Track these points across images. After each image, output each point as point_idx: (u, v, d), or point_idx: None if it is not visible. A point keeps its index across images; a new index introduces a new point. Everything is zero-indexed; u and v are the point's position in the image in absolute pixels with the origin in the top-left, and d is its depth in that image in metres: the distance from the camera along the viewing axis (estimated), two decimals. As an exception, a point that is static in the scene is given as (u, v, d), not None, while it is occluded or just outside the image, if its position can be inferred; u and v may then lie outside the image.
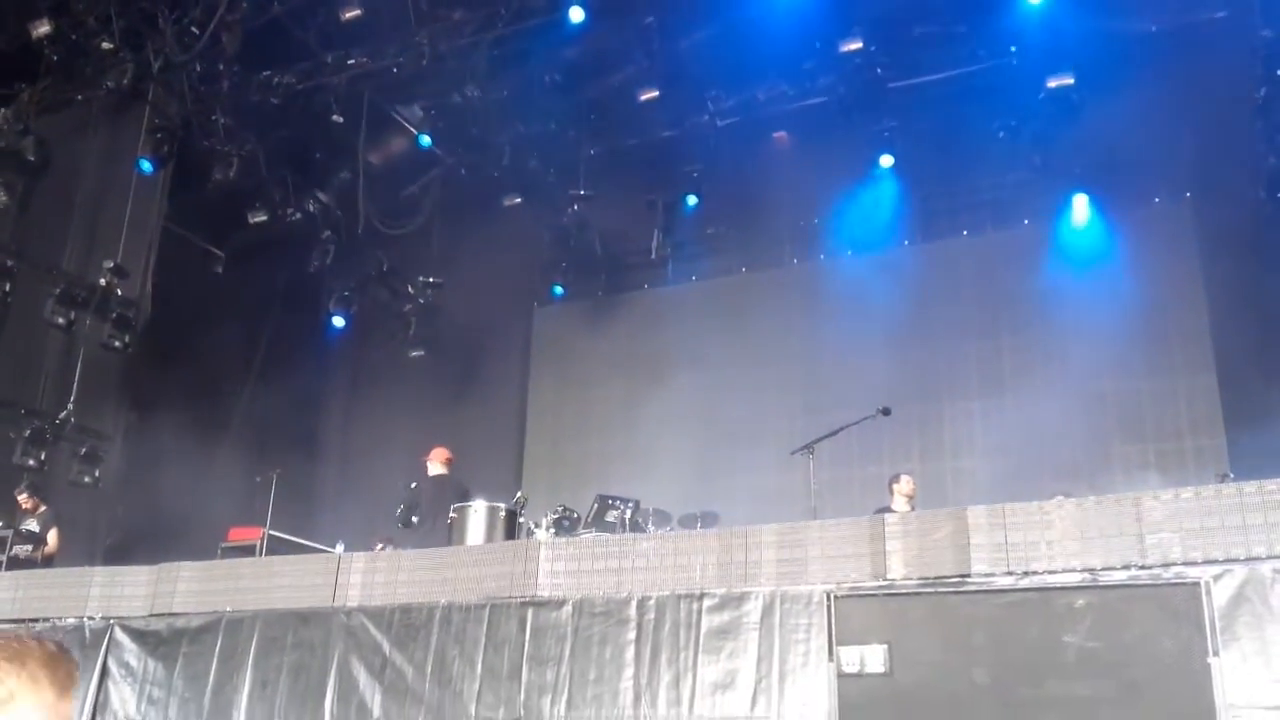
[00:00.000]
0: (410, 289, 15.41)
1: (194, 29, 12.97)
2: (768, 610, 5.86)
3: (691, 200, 14.25)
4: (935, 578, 5.56)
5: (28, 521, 10.73)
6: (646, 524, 9.44)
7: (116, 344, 12.98)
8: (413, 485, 10.30)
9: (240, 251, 15.64)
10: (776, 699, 5.65)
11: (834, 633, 5.64)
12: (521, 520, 8.73)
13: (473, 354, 15.90)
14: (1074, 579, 5.25)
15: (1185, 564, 5.08)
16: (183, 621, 7.61)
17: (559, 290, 15.98)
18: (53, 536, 10.67)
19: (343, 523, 13.13)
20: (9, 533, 10.28)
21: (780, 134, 13.88)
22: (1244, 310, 11.54)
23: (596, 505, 9.22)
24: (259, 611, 7.36)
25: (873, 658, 5.48)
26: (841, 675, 5.54)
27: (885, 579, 5.68)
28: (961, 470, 12.79)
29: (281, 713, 6.97)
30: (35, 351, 13.27)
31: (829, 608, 5.70)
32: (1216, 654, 4.84)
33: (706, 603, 6.04)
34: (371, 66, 13.43)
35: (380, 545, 10.47)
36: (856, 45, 12.01)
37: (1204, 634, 4.89)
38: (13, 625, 8.12)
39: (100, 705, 7.57)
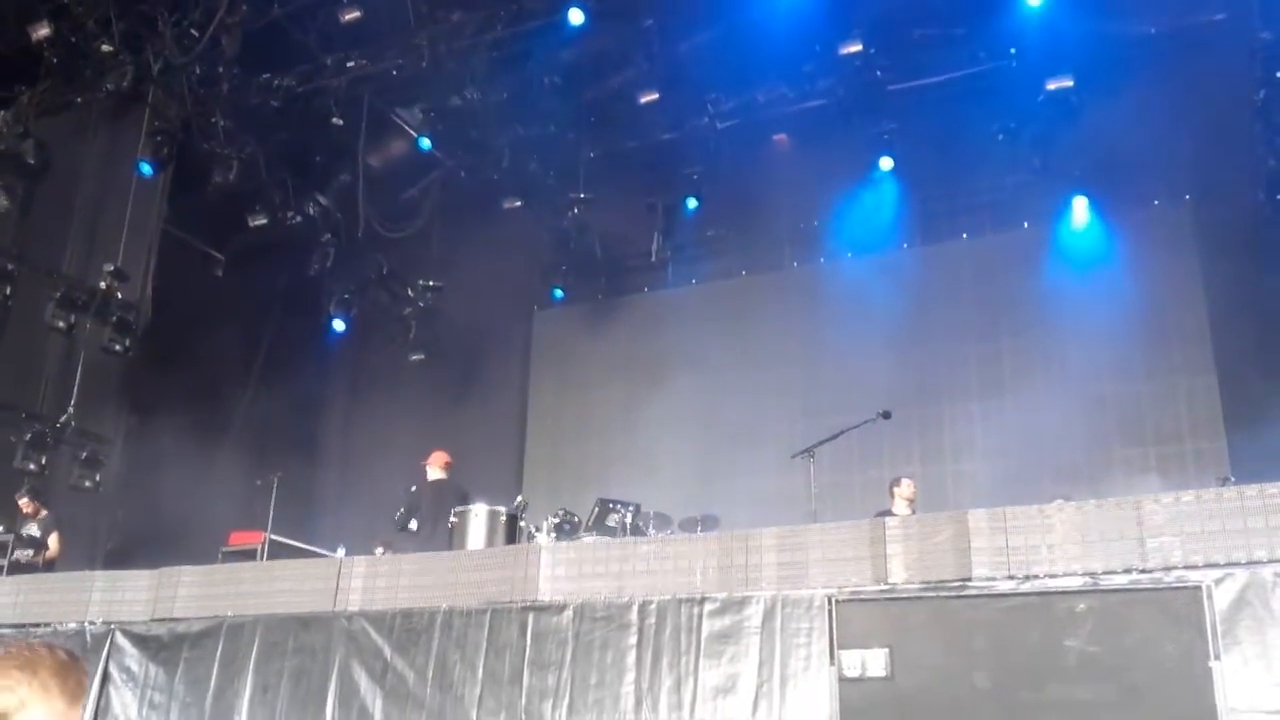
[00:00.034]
0: (410, 292, 15.41)
1: (194, 31, 12.99)
2: (769, 614, 5.86)
3: (691, 203, 14.26)
4: (936, 581, 5.56)
5: (29, 526, 10.73)
6: (647, 528, 9.44)
7: (117, 348, 12.98)
8: (412, 489, 10.30)
9: (240, 255, 15.65)
10: (778, 703, 5.65)
11: (835, 637, 5.63)
12: (522, 524, 8.73)
13: (473, 357, 15.91)
14: (1075, 583, 5.25)
15: (1186, 568, 5.07)
16: (184, 626, 7.61)
17: (559, 293, 15.98)
18: (54, 541, 10.66)
19: (344, 527, 13.13)
20: (10, 537, 10.27)
21: (780, 136, 13.87)
22: (1244, 312, 11.54)
23: (597, 509, 9.22)
24: (260, 616, 7.36)
25: (874, 662, 5.48)
26: (843, 679, 5.54)
27: (886, 583, 5.67)
28: (962, 473, 12.79)
29: (283, 717, 6.97)
30: (36, 355, 13.27)
31: (830, 612, 5.70)
32: (1218, 658, 4.84)
33: (707, 607, 6.04)
34: (371, 69, 13.44)
35: (380, 549, 10.47)
36: (856, 48, 12.01)
37: (1205, 638, 4.89)
38: (14, 630, 8.13)
39: (101, 710, 7.57)
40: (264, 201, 14.43)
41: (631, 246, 15.28)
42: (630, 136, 14.34)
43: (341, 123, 13.73)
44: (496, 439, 15.49)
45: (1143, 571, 5.15)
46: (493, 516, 8.55)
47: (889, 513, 9.01)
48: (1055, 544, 5.37)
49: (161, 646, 7.60)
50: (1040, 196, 12.84)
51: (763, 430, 13.05)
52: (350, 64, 13.43)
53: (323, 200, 14.72)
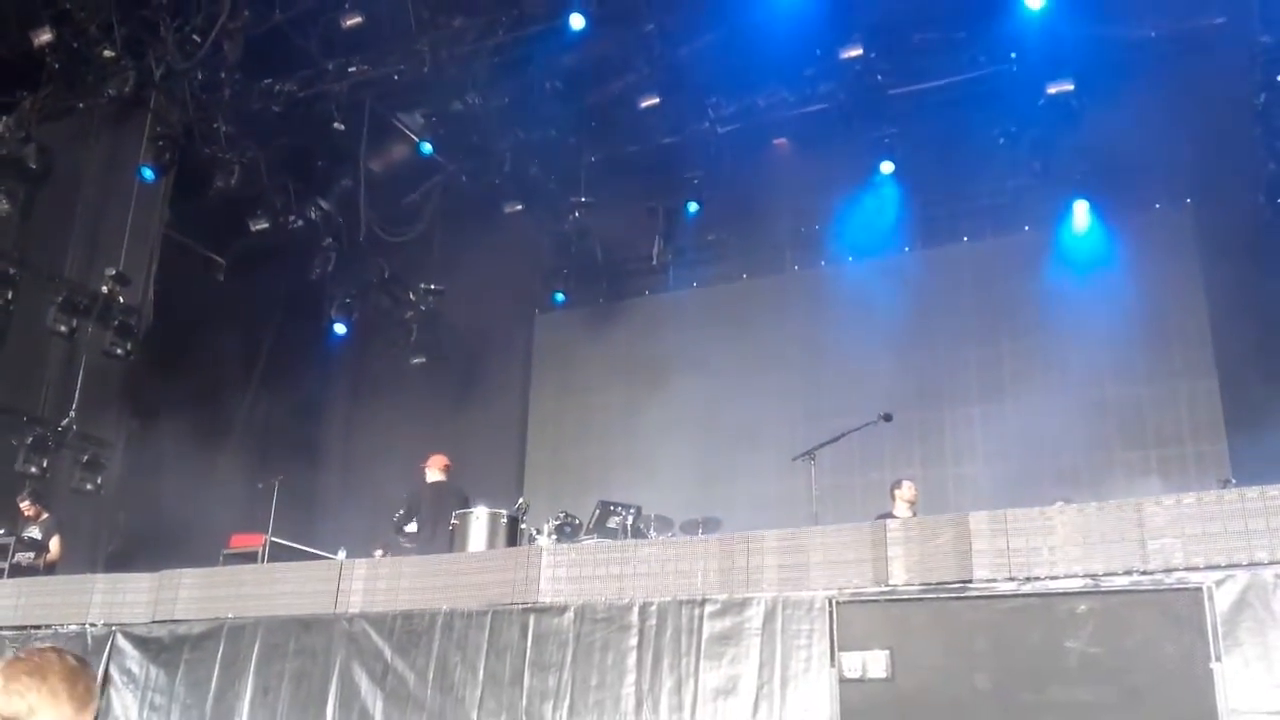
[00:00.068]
0: (411, 296, 15.42)
1: (196, 37, 13.00)
2: (769, 616, 5.86)
3: (692, 207, 14.26)
4: (937, 583, 5.56)
5: (30, 529, 10.74)
6: (648, 530, 9.45)
7: (118, 351, 12.99)
8: (411, 492, 10.31)
9: (242, 259, 15.66)
10: (778, 705, 5.65)
11: (836, 638, 5.63)
12: (523, 526, 8.74)
13: (474, 361, 15.92)
14: (1076, 584, 5.25)
15: (1187, 569, 5.07)
16: (185, 628, 7.61)
17: (560, 297, 15.99)
18: (55, 544, 10.67)
19: (344, 529, 13.12)
20: (11, 540, 10.28)
21: (781, 140, 13.89)
22: (1245, 315, 11.55)
23: (598, 511, 9.23)
24: (261, 618, 7.36)
25: (875, 663, 5.48)
26: (843, 681, 5.53)
27: (887, 584, 5.67)
28: (963, 476, 12.79)
29: (283, 719, 6.96)
30: (37, 359, 13.28)
31: (831, 613, 5.70)
32: (1219, 659, 4.84)
33: (708, 608, 6.04)
34: (373, 74, 13.45)
35: (379, 552, 10.48)
36: (857, 52, 12.03)
37: (1206, 639, 4.88)
38: (15, 632, 8.13)
39: (102, 712, 7.56)
40: (265, 206, 14.44)
41: (632, 250, 15.30)
42: (631, 141, 14.35)
43: (343, 127, 13.74)
44: (498, 442, 15.50)
45: (1144, 573, 5.15)
46: (494, 519, 8.56)
47: (890, 515, 9.01)
48: (1056, 546, 5.37)
49: (162, 648, 7.61)
50: (1041, 200, 12.85)
51: (764, 433, 13.06)
52: (352, 69, 13.44)
53: (324, 205, 14.73)
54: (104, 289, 13.03)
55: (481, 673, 6.46)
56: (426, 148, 14.55)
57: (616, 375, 15.19)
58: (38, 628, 8.17)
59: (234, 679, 7.23)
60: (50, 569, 10.35)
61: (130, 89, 13.26)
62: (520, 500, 9.15)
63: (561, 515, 9.08)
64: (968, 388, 13.20)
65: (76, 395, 12.97)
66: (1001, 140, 12.26)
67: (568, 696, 6.16)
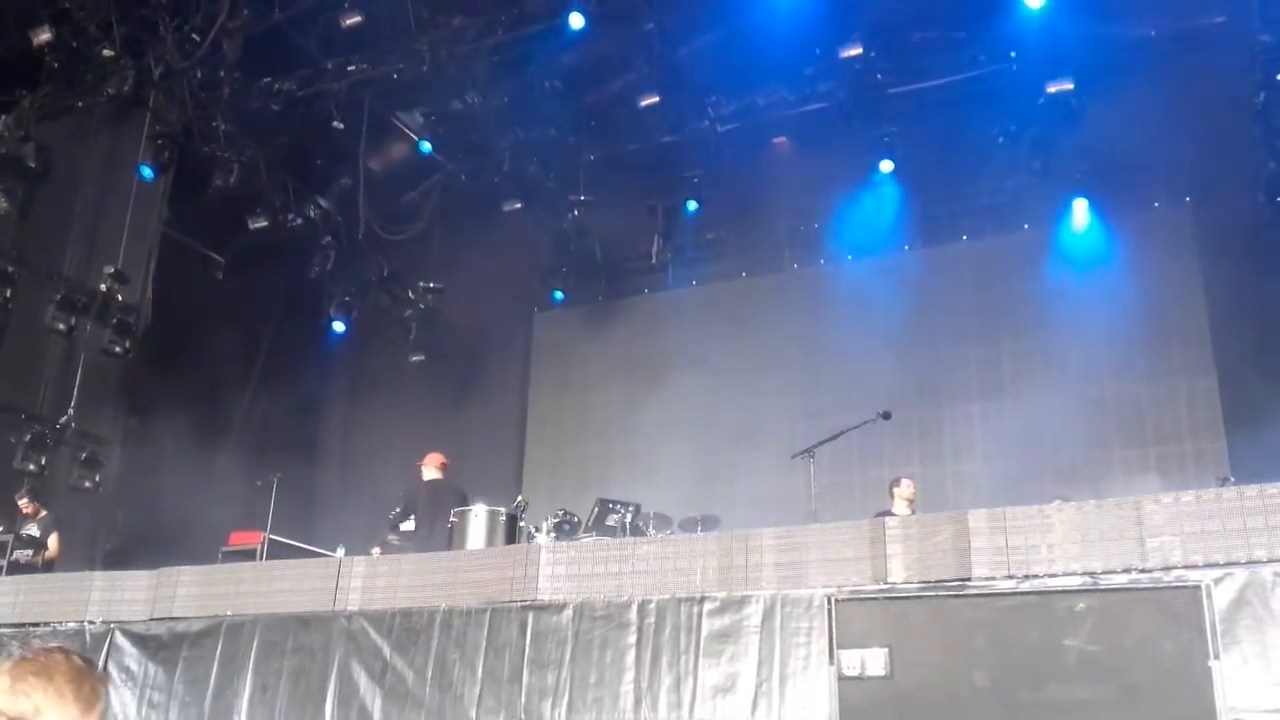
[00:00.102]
0: (411, 294, 15.42)
1: (195, 36, 13.00)
2: (768, 614, 5.86)
3: (692, 205, 14.26)
4: (936, 581, 5.56)
5: (28, 526, 10.74)
6: (647, 528, 9.44)
7: (117, 349, 12.99)
8: (408, 490, 10.31)
9: (241, 257, 15.66)
10: (777, 702, 5.65)
11: (835, 636, 5.63)
12: (522, 524, 8.74)
13: (473, 359, 15.92)
14: (1074, 582, 5.25)
15: (1186, 567, 5.08)
16: (183, 626, 7.61)
17: (559, 295, 15.98)
18: (53, 541, 10.67)
19: (343, 527, 13.12)
20: (9, 537, 10.29)
21: (780, 139, 13.89)
22: (1244, 314, 11.55)
23: (597, 509, 9.22)
24: (259, 616, 7.36)
25: (873, 661, 5.48)
26: (842, 678, 5.54)
27: (886, 582, 5.68)
28: (962, 474, 12.79)
29: (282, 717, 6.96)
30: (36, 357, 13.29)
31: (830, 611, 5.70)
32: (1217, 657, 4.84)
33: (707, 606, 6.04)
34: (372, 73, 13.46)
35: (377, 551, 10.48)
36: (856, 51, 12.03)
37: (1205, 637, 4.89)
38: (13, 630, 8.13)
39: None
40: (264, 204, 14.44)
41: (632, 249, 15.30)
42: (630, 139, 14.35)
43: (342, 126, 13.75)
44: (497, 440, 15.50)
45: (1142, 571, 5.16)
46: (492, 516, 8.56)
47: (889, 513, 9.01)
48: (1055, 544, 5.38)
49: (161, 646, 7.60)
50: (1040, 199, 12.85)
51: (763, 431, 13.06)
52: (351, 68, 13.45)
53: (323, 203, 14.72)
54: (103, 287, 13.04)
55: (480, 670, 6.46)
56: (426, 146, 14.56)
57: (615, 373, 15.19)
58: (36, 625, 8.17)
59: (232, 676, 7.23)
60: (49, 566, 10.36)
61: (129, 88, 13.26)
62: (519, 498, 9.14)
63: (560, 513, 9.08)
64: (967, 386, 13.20)
65: (75, 393, 12.98)
66: (1001, 139, 12.25)
67: (566, 694, 6.16)
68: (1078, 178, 12.48)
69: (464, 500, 9.25)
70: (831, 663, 5.59)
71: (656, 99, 13.10)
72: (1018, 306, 13.10)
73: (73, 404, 12.92)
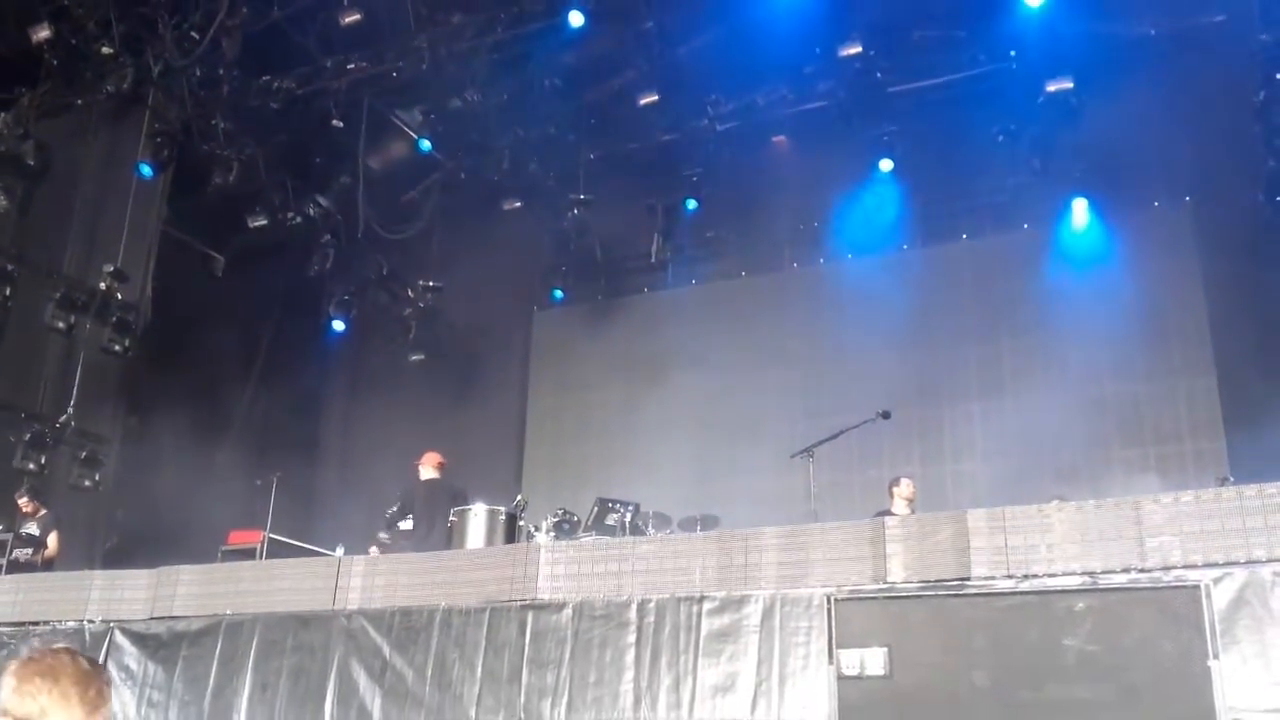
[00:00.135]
0: (410, 293, 15.43)
1: (194, 34, 13.00)
2: (768, 613, 5.86)
3: (691, 204, 14.24)
4: (935, 581, 5.56)
5: (28, 525, 10.74)
6: (646, 527, 9.44)
7: (116, 348, 12.99)
8: (405, 490, 10.31)
9: (240, 255, 15.65)
10: (776, 702, 5.65)
11: (834, 635, 5.63)
12: (521, 523, 8.74)
13: (473, 358, 15.91)
14: (1074, 582, 5.25)
15: (1185, 567, 5.08)
16: (183, 625, 7.61)
17: (559, 294, 15.99)
18: (53, 540, 10.67)
19: (343, 526, 13.13)
20: (9, 536, 10.28)
21: (780, 138, 13.88)
22: (1244, 313, 11.55)
23: (596, 508, 9.22)
24: (259, 615, 7.36)
25: (873, 660, 5.48)
26: (841, 678, 5.54)
27: (885, 582, 5.68)
28: (961, 473, 12.79)
29: (281, 716, 6.96)
30: (35, 355, 13.28)
31: (829, 611, 5.70)
32: (1216, 657, 4.84)
33: (706, 606, 6.04)
34: (371, 71, 13.45)
35: (374, 549, 10.48)
36: (856, 50, 12.02)
37: (1204, 637, 4.89)
38: (13, 628, 8.13)
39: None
40: (264, 203, 14.44)
41: (631, 247, 15.29)
42: (630, 138, 14.35)
43: (341, 124, 13.75)
44: (496, 439, 15.50)
45: (1142, 571, 5.16)
46: (492, 516, 8.57)
47: (888, 512, 9.01)
48: (1054, 544, 5.38)
49: (160, 645, 7.60)
50: (1040, 198, 12.84)
51: (762, 430, 13.06)
52: (350, 66, 13.45)
53: (323, 201, 14.72)
54: (102, 285, 13.04)
55: (479, 670, 6.46)
56: (425, 145, 14.54)
57: (615, 372, 15.18)
58: (36, 624, 8.17)
59: (232, 675, 7.23)
60: (48, 565, 10.36)
61: (128, 86, 13.26)
62: (519, 497, 9.14)
63: (560, 512, 9.08)
64: (967, 385, 13.20)
65: (74, 391, 12.98)
66: (1001, 138, 12.24)
67: (566, 693, 6.16)
68: (1077, 177, 12.47)
69: (461, 500, 9.25)
70: (831, 662, 5.59)
71: (656, 97, 13.10)
72: (1017, 306, 13.10)
73: (72, 402, 12.92)
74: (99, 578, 8.32)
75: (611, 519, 9.05)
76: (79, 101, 13.87)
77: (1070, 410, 11.64)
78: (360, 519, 13.31)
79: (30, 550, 10.27)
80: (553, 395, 15.99)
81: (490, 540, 8.38)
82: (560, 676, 6.21)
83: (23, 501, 10.99)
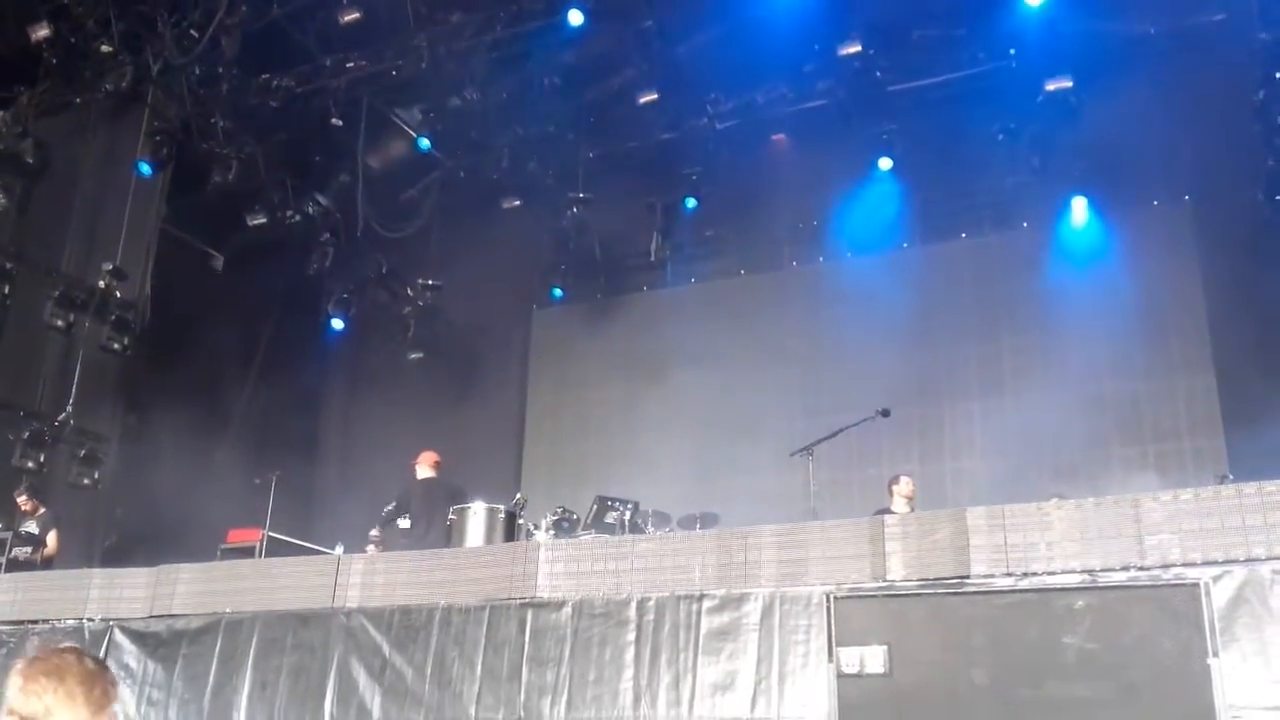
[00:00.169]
0: (409, 291, 15.43)
1: (193, 32, 13.00)
2: (767, 611, 5.86)
3: (690, 203, 14.25)
4: (935, 579, 5.56)
5: (27, 523, 10.74)
6: (646, 525, 9.44)
7: (115, 346, 12.99)
8: (402, 489, 10.31)
9: (239, 254, 15.65)
10: (776, 700, 5.65)
11: (834, 634, 5.63)
12: (521, 522, 8.74)
13: (472, 356, 15.91)
14: (1073, 580, 5.25)
15: (1184, 565, 5.07)
16: (182, 623, 7.61)
17: (558, 292, 15.99)
18: (52, 538, 10.67)
19: (342, 525, 13.13)
20: (8, 535, 10.29)
21: (779, 136, 13.89)
22: (1243, 312, 11.55)
23: (596, 507, 9.22)
24: (258, 613, 7.36)
25: (872, 659, 5.48)
26: (841, 676, 5.54)
27: (885, 580, 5.68)
28: (961, 471, 12.79)
29: (281, 714, 6.96)
30: (34, 354, 13.28)
31: (828, 609, 5.70)
32: (1216, 655, 4.84)
33: (706, 604, 6.04)
34: (370, 69, 13.46)
35: (371, 548, 10.49)
36: (855, 48, 12.03)
37: (1203, 635, 4.89)
38: (12, 627, 8.13)
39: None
40: (263, 201, 14.44)
41: (630, 246, 15.29)
42: (629, 136, 14.36)
43: (341, 123, 13.76)
44: (495, 437, 15.50)
45: (1141, 569, 5.16)
46: (491, 514, 8.56)
47: (888, 510, 9.01)
48: (1054, 541, 5.37)
49: (160, 643, 7.60)
50: (1040, 197, 12.85)
51: (762, 428, 13.05)
52: (350, 65, 13.45)
53: (322, 200, 14.72)
54: (101, 284, 13.04)
55: (479, 668, 6.46)
56: (424, 143, 14.54)
57: (614, 371, 15.18)
58: (35, 622, 8.16)
59: (231, 674, 7.23)
60: (47, 564, 10.36)
61: (128, 84, 13.26)
62: (518, 495, 9.14)
63: (559, 510, 9.08)
64: (966, 383, 13.20)
65: (73, 390, 12.98)
66: (1000, 137, 12.26)
67: (565, 692, 6.16)
68: (1077, 175, 12.48)
69: (459, 498, 9.24)
70: (830, 660, 5.59)
71: (655, 96, 13.11)
72: (1017, 304, 13.10)
73: (71, 401, 12.92)
74: (98, 576, 8.31)
75: (611, 517, 9.06)
76: (78, 100, 13.86)
77: (1070, 408, 11.65)
78: (360, 517, 13.29)
79: (29, 549, 10.28)
80: (552, 393, 15.99)
81: (490, 538, 8.38)
82: (560, 674, 6.21)
83: (22, 500, 10.99)
